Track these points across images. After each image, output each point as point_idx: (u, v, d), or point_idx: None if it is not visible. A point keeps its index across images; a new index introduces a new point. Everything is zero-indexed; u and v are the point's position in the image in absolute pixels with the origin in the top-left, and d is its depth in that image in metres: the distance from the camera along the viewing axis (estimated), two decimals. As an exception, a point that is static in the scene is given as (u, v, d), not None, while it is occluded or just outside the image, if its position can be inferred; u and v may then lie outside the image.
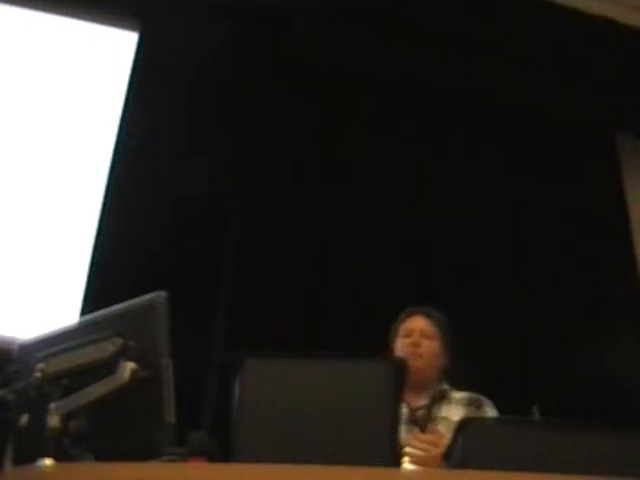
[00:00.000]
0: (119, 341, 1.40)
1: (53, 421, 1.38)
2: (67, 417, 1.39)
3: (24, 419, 1.47)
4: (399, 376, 1.52)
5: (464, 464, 1.42)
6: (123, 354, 1.39)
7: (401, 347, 2.54)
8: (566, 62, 3.98)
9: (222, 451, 1.87)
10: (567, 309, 3.82)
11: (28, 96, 3.58)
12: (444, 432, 2.21)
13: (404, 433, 2.23)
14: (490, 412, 2.40)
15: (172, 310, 1.45)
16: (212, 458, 1.74)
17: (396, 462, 1.43)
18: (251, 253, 3.52)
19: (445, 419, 2.39)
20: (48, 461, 1.33)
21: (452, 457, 1.51)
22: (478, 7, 3.82)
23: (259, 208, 3.61)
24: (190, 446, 1.64)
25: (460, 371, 2.62)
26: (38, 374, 1.46)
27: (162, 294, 1.46)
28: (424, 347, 2.52)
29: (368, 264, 3.62)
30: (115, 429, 1.42)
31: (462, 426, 1.47)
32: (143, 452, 1.34)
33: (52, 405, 1.40)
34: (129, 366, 1.37)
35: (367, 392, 1.49)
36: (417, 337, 2.54)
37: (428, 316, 2.62)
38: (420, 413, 2.42)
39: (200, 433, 1.77)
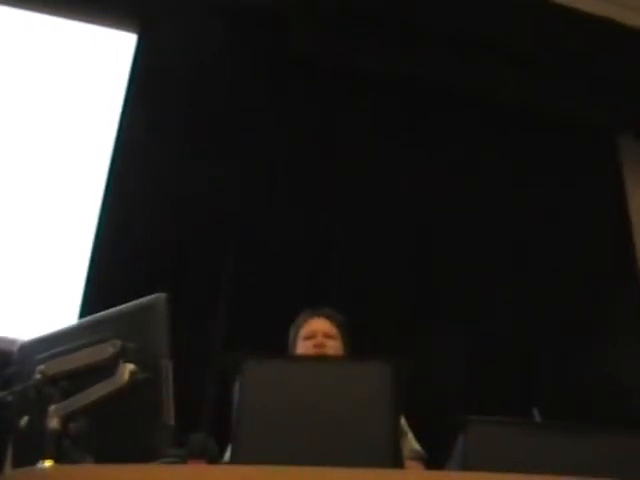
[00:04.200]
0: (118, 343, 1.40)
1: (53, 423, 1.38)
2: (67, 419, 1.39)
3: (24, 421, 1.47)
4: (399, 376, 1.51)
5: (464, 464, 1.42)
6: (122, 356, 1.39)
7: (304, 349, 2.54)
8: (566, 62, 3.98)
9: (222, 452, 1.87)
10: (567, 310, 3.82)
11: (28, 97, 3.58)
12: None
13: None
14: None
15: (172, 310, 1.45)
16: (212, 459, 1.74)
17: (396, 463, 1.43)
18: (251, 253, 3.52)
19: None
20: (48, 463, 1.33)
21: (452, 457, 1.51)
22: (478, 7, 3.82)
23: (259, 208, 3.61)
24: (190, 448, 1.63)
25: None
26: (38, 376, 1.46)
27: (162, 295, 1.45)
28: (329, 347, 2.52)
29: (368, 264, 3.62)
30: (115, 431, 1.42)
31: (462, 427, 1.47)
32: (143, 454, 1.33)
33: (52, 407, 1.40)
34: (128, 368, 1.37)
35: (367, 393, 1.49)
36: (321, 338, 2.53)
37: (328, 317, 2.62)
38: None
39: (200, 434, 1.77)
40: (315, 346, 2.52)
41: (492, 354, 3.55)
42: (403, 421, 2.40)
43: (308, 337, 2.57)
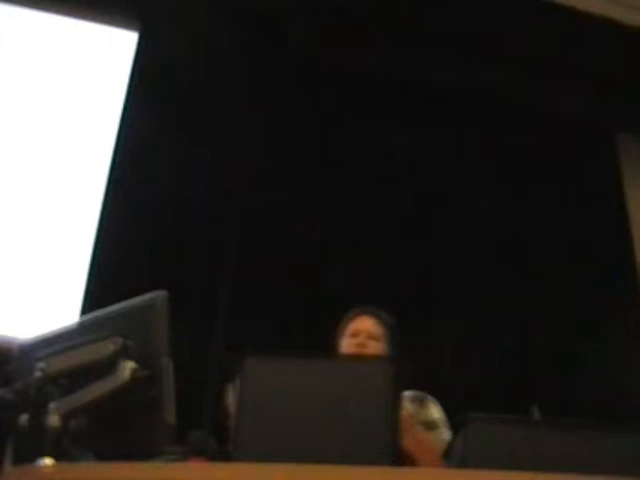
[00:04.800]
0: (119, 341, 1.40)
1: (53, 421, 1.38)
2: (67, 417, 1.39)
3: (24, 419, 1.47)
4: (399, 376, 1.51)
5: (464, 463, 1.42)
6: (123, 354, 1.39)
7: (347, 347, 2.50)
8: (566, 62, 3.98)
9: (222, 451, 1.87)
10: (567, 309, 3.82)
11: (28, 96, 3.58)
12: None
13: None
14: (433, 408, 2.40)
15: (172, 310, 1.45)
16: (212, 458, 1.74)
17: (396, 462, 1.43)
18: (251, 253, 3.52)
19: None
20: (48, 461, 1.33)
21: (452, 455, 1.51)
22: (478, 7, 3.82)
23: (259, 208, 3.61)
24: (190, 446, 1.64)
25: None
26: (38, 374, 1.46)
27: (162, 294, 1.45)
28: (370, 348, 2.47)
29: (368, 264, 3.62)
30: (115, 428, 1.42)
31: (462, 425, 1.47)
32: (143, 451, 1.34)
33: (52, 405, 1.40)
34: (129, 365, 1.37)
35: (367, 392, 1.49)
36: (363, 338, 2.50)
37: (376, 317, 2.57)
38: None
39: (200, 433, 1.78)
40: (357, 345, 2.49)
41: (492, 354, 3.54)
42: (440, 415, 2.39)
43: (352, 335, 2.53)
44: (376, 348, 2.49)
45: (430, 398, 2.44)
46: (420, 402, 2.42)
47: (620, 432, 1.46)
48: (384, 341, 2.53)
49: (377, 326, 2.55)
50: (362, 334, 2.51)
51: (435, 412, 2.38)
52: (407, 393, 2.48)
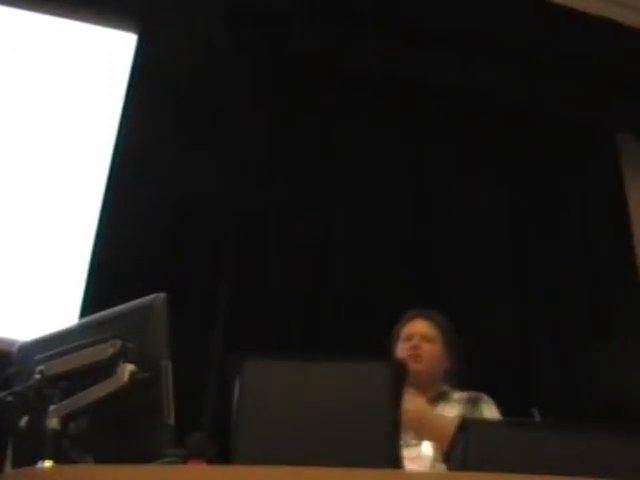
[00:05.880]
0: (118, 343, 1.40)
1: (52, 423, 1.38)
2: (66, 419, 1.39)
3: (24, 421, 1.47)
4: (399, 377, 1.51)
5: (464, 465, 1.42)
6: (122, 356, 1.39)
7: (401, 350, 2.54)
8: (566, 62, 3.97)
9: (222, 453, 1.87)
10: (567, 309, 3.82)
11: (28, 97, 3.58)
12: None
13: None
14: (486, 409, 2.41)
15: (172, 311, 1.45)
16: (212, 460, 1.74)
17: (396, 463, 1.42)
18: (251, 253, 3.52)
19: None
20: (48, 463, 1.33)
21: (452, 458, 1.50)
22: (478, 7, 3.82)
23: (259, 208, 3.61)
24: (190, 448, 1.63)
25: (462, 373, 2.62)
26: (37, 376, 1.46)
27: (161, 296, 1.45)
28: (424, 350, 2.51)
29: (368, 264, 3.62)
30: (114, 431, 1.42)
31: (462, 427, 1.47)
32: (143, 454, 1.33)
33: (51, 407, 1.40)
34: (128, 368, 1.37)
35: (367, 393, 1.49)
36: (417, 340, 2.53)
37: (429, 319, 2.61)
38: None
39: (200, 435, 1.77)
40: (410, 348, 2.51)
41: (492, 354, 3.54)
42: (492, 415, 2.39)
43: (406, 338, 2.56)
44: (430, 349, 2.53)
45: (485, 398, 2.46)
46: (473, 403, 2.44)
47: (621, 434, 1.46)
48: (438, 342, 2.56)
49: (431, 328, 2.58)
50: (416, 337, 2.54)
51: (487, 413, 2.39)
52: (460, 395, 2.50)
